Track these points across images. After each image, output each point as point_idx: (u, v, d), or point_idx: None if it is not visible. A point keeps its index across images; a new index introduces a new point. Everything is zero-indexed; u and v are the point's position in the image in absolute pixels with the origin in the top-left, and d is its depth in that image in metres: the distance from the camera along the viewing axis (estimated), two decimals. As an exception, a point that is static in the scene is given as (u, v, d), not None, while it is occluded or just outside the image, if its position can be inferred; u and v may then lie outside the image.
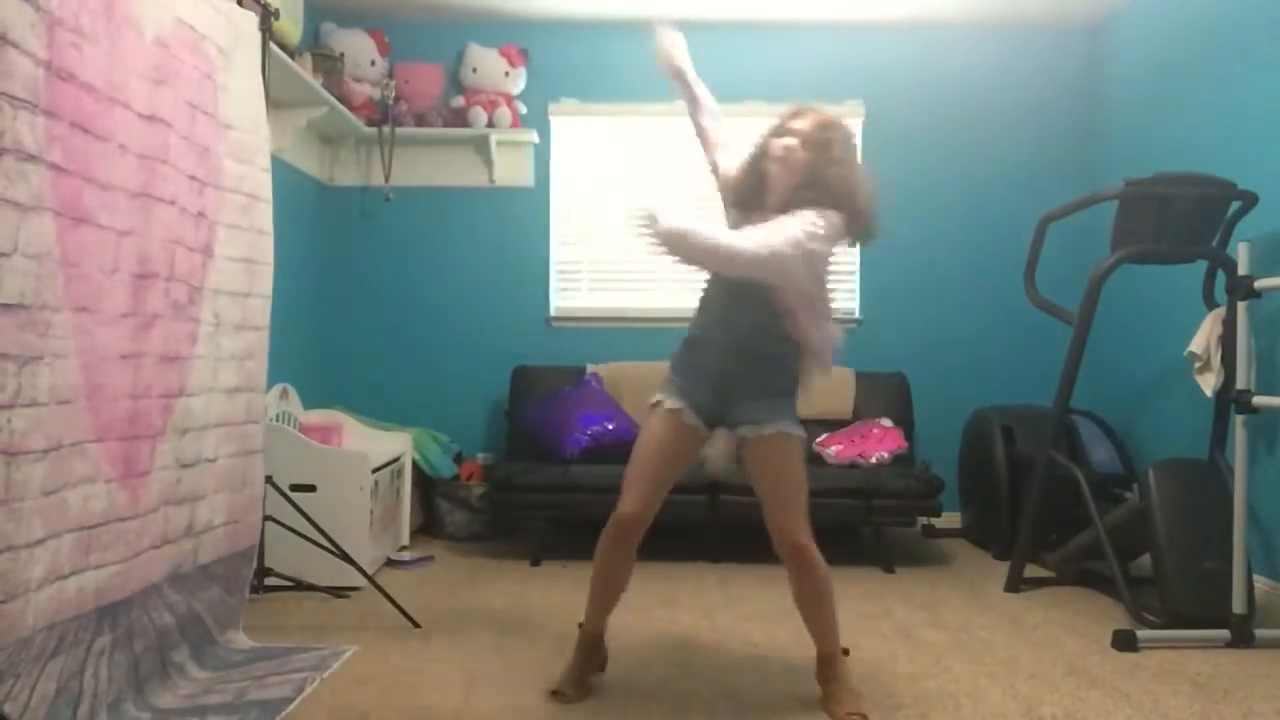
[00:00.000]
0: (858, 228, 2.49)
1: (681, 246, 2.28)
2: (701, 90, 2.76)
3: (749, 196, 2.56)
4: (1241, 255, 3.29)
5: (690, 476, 4.07)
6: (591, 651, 2.66)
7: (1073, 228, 4.11)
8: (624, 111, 5.07)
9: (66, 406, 2.06)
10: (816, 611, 2.57)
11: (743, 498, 4.06)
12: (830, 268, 2.48)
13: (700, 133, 2.75)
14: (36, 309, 1.94)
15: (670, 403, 2.52)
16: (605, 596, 2.63)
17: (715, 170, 2.71)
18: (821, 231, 2.36)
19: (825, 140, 2.46)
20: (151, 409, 2.43)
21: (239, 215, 2.91)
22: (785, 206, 2.43)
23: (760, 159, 2.53)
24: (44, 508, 1.98)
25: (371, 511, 3.79)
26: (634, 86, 5.05)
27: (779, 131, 2.51)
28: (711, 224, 2.38)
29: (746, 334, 2.48)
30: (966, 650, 3.03)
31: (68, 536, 2.07)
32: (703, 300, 2.59)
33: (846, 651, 2.63)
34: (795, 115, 2.52)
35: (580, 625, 2.68)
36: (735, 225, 2.54)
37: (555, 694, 2.54)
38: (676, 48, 2.73)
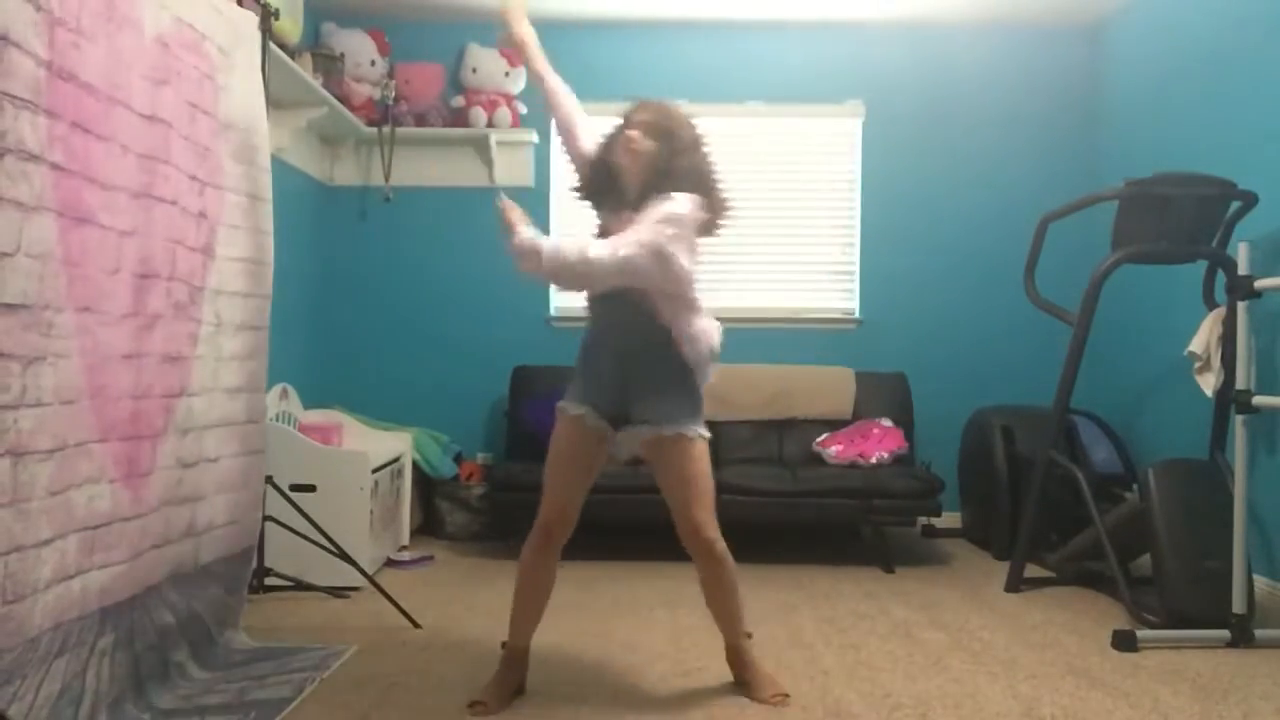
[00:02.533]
0: (715, 214, 2.53)
1: (535, 263, 2.33)
2: (549, 70, 2.81)
3: (602, 191, 2.58)
4: (1241, 255, 3.30)
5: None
6: (515, 667, 2.61)
7: (1073, 228, 4.11)
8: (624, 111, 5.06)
9: (71, 406, 2.06)
10: (725, 605, 2.62)
11: (742, 497, 4.12)
12: (695, 261, 2.47)
13: (564, 118, 2.73)
14: (39, 309, 1.94)
15: (573, 409, 2.55)
16: (530, 608, 2.62)
17: (580, 160, 2.68)
18: (672, 230, 2.36)
19: (668, 129, 2.48)
20: (153, 409, 2.43)
21: (239, 215, 2.91)
22: (642, 198, 2.45)
23: (607, 153, 2.55)
24: (51, 508, 1.99)
25: (371, 511, 3.79)
26: (634, 86, 5.01)
27: (623, 125, 2.53)
28: (567, 239, 2.41)
29: (629, 334, 2.50)
30: (966, 650, 3.03)
31: (73, 537, 2.08)
32: (589, 302, 2.59)
33: (749, 635, 2.70)
34: (639, 109, 2.55)
35: (503, 644, 2.63)
36: (605, 225, 2.56)
37: (474, 705, 2.47)
38: (520, 21, 2.74)
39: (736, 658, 2.66)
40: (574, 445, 2.57)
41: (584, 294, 2.57)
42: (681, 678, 2.74)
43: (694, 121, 2.55)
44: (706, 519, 2.53)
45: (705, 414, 2.56)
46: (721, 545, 2.55)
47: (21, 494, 1.89)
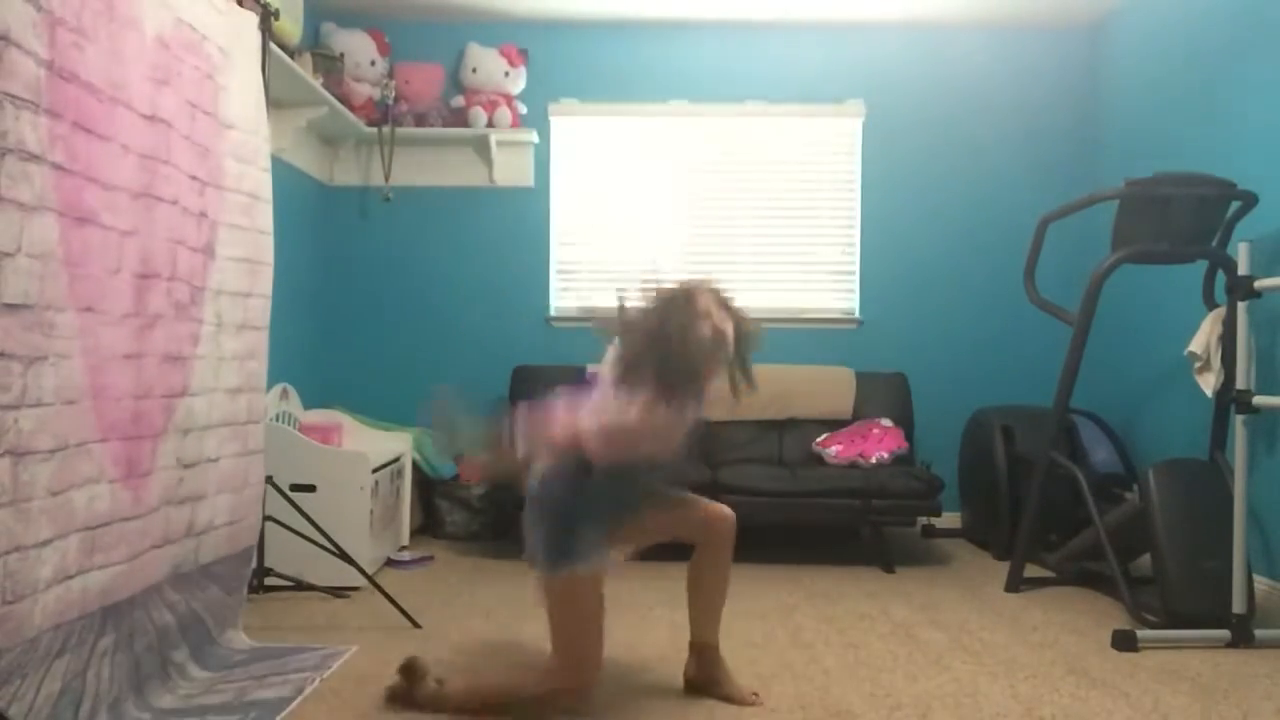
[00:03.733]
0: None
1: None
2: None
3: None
4: (1241, 255, 3.30)
5: (689, 477, 4.10)
6: None
7: (1073, 228, 4.11)
8: (624, 111, 5.07)
9: (72, 407, 2.06)
10: (721, 601, 2.70)
11: (743, 497, 4.11)
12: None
13: None
14: (41, 309, 1.94)
15: (585, 567, 2.43)
16: None
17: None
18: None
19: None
20: (154, 409, 2.43)
21: (240, 215, 2.91)
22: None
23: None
24: (51, 508, 1.99)
25: (371, 511, 3.79)
26: (634, 86, 5.06)
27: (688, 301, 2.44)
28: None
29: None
30: (966, 650, 3.03)
31: (74, 537, 2.08)
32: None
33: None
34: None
35: None
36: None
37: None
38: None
39: (712, 660, 2.66)
40: (600, 596, 2.49)
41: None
42: (681, 677, 2.74)
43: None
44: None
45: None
46: None
47: (22, 494, 1.89)
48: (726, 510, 2.67)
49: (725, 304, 2.46)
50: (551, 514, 2.43)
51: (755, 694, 2.60)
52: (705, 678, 2.66)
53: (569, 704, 2.45)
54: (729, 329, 2.42)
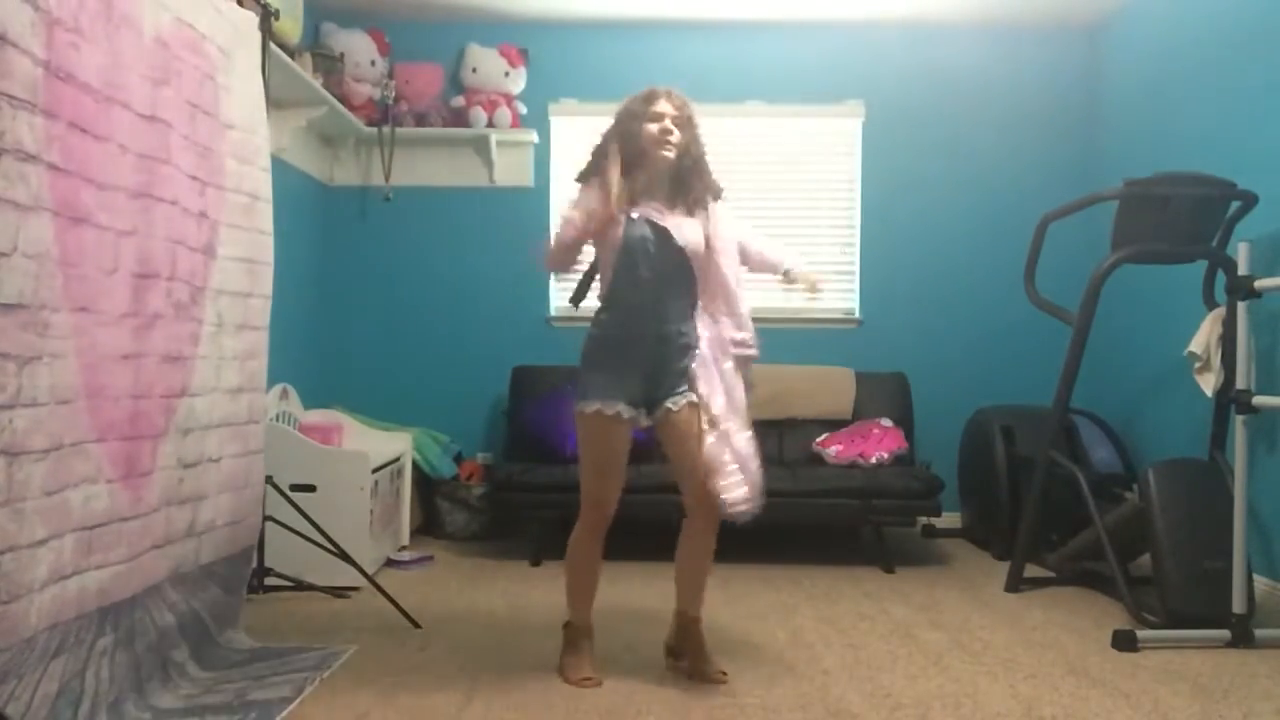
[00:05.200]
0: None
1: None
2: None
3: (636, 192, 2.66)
4: (1241, 255, 3.29)
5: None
6: (589, 637, 2.78)
7: (1073, 228, 4.11)
8: (624, 111, 5.06)
9: (66, 406, 2.06)
10: (704, 575, 2.77)
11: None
12: None
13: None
14: (36, 309, 1.94)
15: (610, 408, 2.60)
16: (591, 589, 2.80)
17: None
18: None
19: (689, 117, 2.66)
20: (154, 409, 2.43)
21: (240, 215, 2.91)
22: (676, 190, 2.67)
23: (632, 146, 2.62)
24: (45, 508, 1.98)
25: (371, 511, 3.79)
26: (634, 86, 5.01)
27: (645, 118, 2.63)
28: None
29: (672, 319, 2.64)
30: (966, 650, 3.03)
31: (70, 537, 2.07)
32: (618, 295, 2.65)
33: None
34: (657, 99, 2.66)
35: (568, 623, 2.81)
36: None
37: (584, 680, 2.65)
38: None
39: (696, 631, 2.75)
40: (620, 443, 2.65)
41: (618, 289, 2.65)
42: (681, 678, 2.74)
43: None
44: None
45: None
46: None
47: (16, 494, 1.88)
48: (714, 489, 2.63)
49: (685, 114, 2.65)
50: (582, 355, 2.70)
51: (723, 673, 2.66)
52: (680, 648, 2.76)
53: (591, 529, 2.69)
54: (676, 137, 2.62)
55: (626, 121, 2.64)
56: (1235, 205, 3.55)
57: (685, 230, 2.63)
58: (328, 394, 4.84)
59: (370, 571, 3.53)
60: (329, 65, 4.52)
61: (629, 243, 2.59)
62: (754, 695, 2.61)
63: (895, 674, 2.79)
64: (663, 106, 2.63)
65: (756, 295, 4.99)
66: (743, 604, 3.53)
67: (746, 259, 2.84)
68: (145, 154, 2.36)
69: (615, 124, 2.67)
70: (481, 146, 5.02)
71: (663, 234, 2.61)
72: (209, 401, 2.72)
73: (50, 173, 1.97)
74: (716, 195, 2.74)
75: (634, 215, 2.61)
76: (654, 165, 2.63)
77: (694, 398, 2.61)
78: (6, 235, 1.84)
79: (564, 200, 2.86)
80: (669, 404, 2.62)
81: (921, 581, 3.93)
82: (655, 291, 2.62)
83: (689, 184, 2.66)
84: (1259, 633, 3.09)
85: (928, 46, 5.05)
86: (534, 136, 5.02)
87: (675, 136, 2.62)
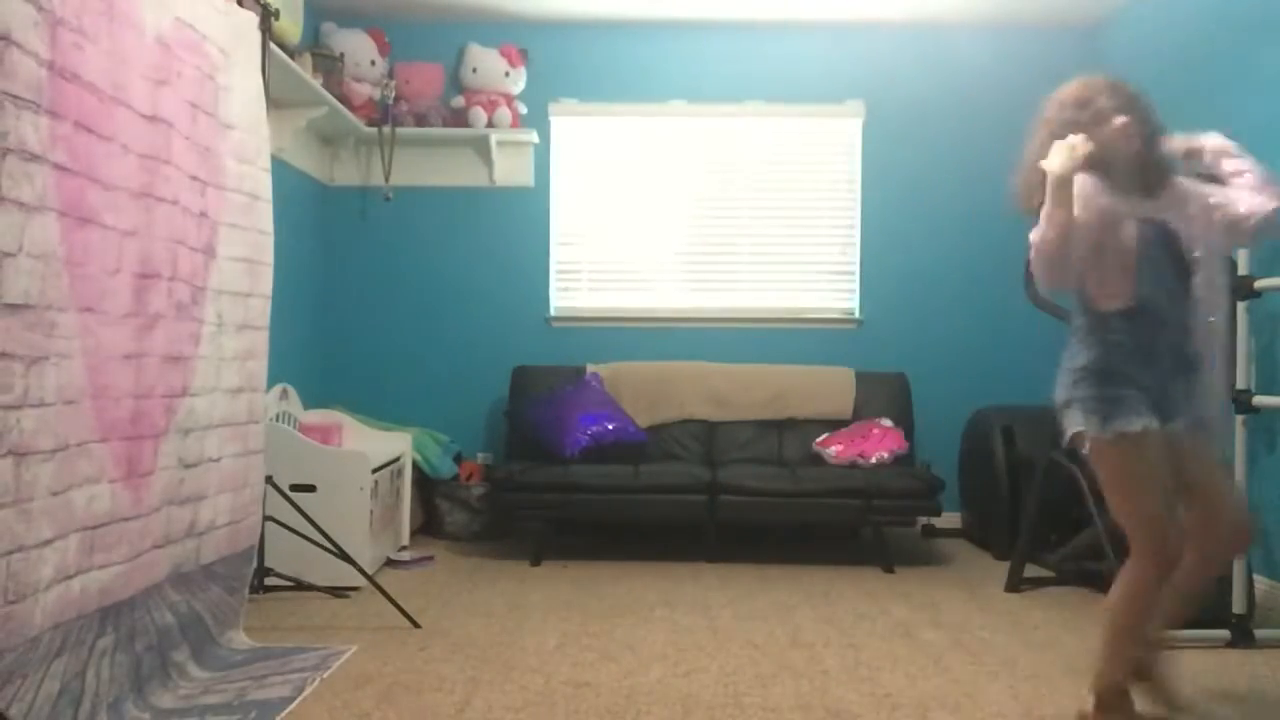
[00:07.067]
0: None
1: None
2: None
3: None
4: (1241, 255, 3.30)
5: (689, 476, 4.11)
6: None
7: (1072, 228, 4.10)
8: (624, 111, 5.07)
9: (72, 407, 2.06)
10: (1160, 624, 2.47)
11: (743, 498, 4.12)
12: None
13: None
14: (42, 309, 1.94)
15: (1136, 425, 2.28)
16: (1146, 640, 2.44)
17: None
18: None
19: (1134, 97, 2.55)
20: (154, 409, 2.43)
21: (240, 215, 2.91)
22: (1144, 175, 2.48)
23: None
24: (52, 508, 1.99)
25: (371, 511, 3.79)
26: (634, 86, 5.06)
27: (1094, 119, 2.52)
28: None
29: (1185, 332, 2.34)
30: (966, 650, 3.03)
31: (74, 536, 2.08)
32: (1140, 303, 2.36)
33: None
34: (1097, 91, 2.59)
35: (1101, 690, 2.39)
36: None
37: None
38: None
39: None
40: (1160, 461, 2.29)
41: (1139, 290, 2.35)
42: (682, 678, 2.74)
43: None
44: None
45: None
46: None
47: (24, 494, 1.89)
48: (1248, 518, 2.41)
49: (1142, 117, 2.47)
50: (1090, 372, 2.41)
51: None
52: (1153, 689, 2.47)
53: (1155, 577, 2.32)
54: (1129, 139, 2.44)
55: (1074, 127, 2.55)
56: (1235, 206, 3.54)
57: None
58: (328, 394, 4.84)
59: (370, 571, 3.53)
60: (329, 65, 4.52)
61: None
62: (754, 695, 2.61)
63: (895, 674, 2.80)
64: (1109, 100, 2.55)
65: (757, 295, 5.07)
66: (743, 604, 3.53)
67: None
68: (147, 154, 2.36)
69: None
70: (481, 146, 5.02)
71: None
72: (209, 401, 2.72)
73: (56, 173, 1.97)
74: None
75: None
76: (1119, 160, 2.49)
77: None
78: (12, 235, 1.84)
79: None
80: (1188, 421, 2.32)
81: (921, 581, 3.93)
82: (1174, 287, 2.38)
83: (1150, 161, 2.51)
84: (1259, 633, 3.09)
85: (928, 46, 5.05)
86: (534, 137, 5.02)
87: (1131, 127, 2.48)
